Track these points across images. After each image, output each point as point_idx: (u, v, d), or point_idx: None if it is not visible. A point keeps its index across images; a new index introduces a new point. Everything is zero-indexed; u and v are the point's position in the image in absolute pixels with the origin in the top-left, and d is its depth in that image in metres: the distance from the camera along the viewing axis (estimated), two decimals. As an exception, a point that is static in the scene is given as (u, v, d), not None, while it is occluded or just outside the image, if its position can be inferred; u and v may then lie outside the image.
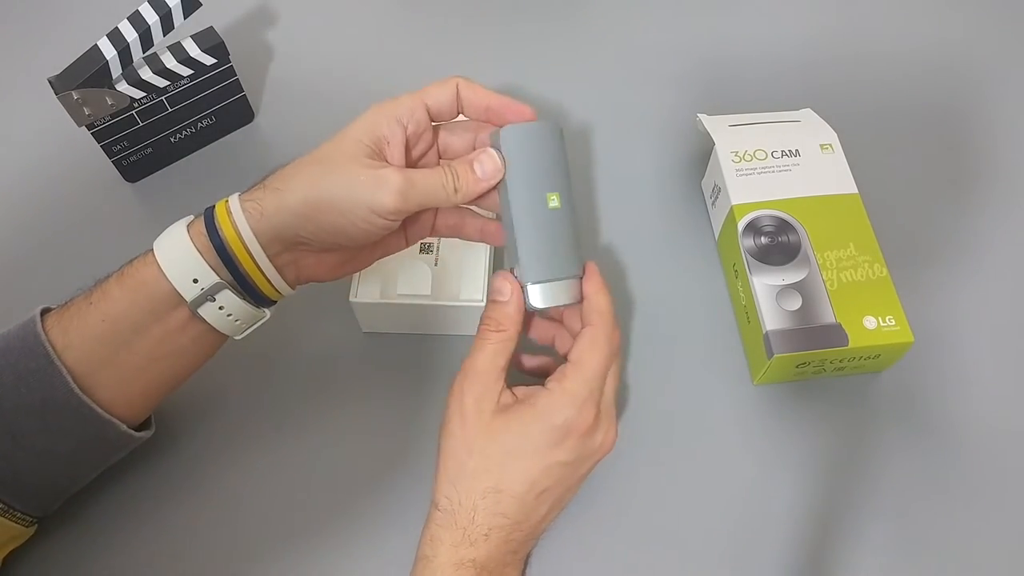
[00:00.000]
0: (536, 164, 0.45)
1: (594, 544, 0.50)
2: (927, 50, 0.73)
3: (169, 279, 0.42)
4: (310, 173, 0.43)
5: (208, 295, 0.43)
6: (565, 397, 0.43)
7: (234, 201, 0.43)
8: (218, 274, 0.43)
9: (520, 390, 0.45)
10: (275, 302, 0.47)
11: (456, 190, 0.44)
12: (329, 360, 0.56)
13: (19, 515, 0.45)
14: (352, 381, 0.56)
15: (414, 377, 0.56)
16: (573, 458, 0.43)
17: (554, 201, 0.45)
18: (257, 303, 0.45)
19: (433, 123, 0.47)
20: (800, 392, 0.55)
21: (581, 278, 0.46)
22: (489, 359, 0.44)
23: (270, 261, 0.44)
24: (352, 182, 0.42)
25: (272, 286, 0.45)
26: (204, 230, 0.43)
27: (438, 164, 0.48)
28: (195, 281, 0.42)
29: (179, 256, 0.42)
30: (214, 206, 0.44)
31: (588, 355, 0.44)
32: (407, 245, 0.49)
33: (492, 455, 0.42)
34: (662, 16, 0.75)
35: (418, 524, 0.50)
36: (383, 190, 0.42)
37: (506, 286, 0.45)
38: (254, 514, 0.51)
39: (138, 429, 0.47)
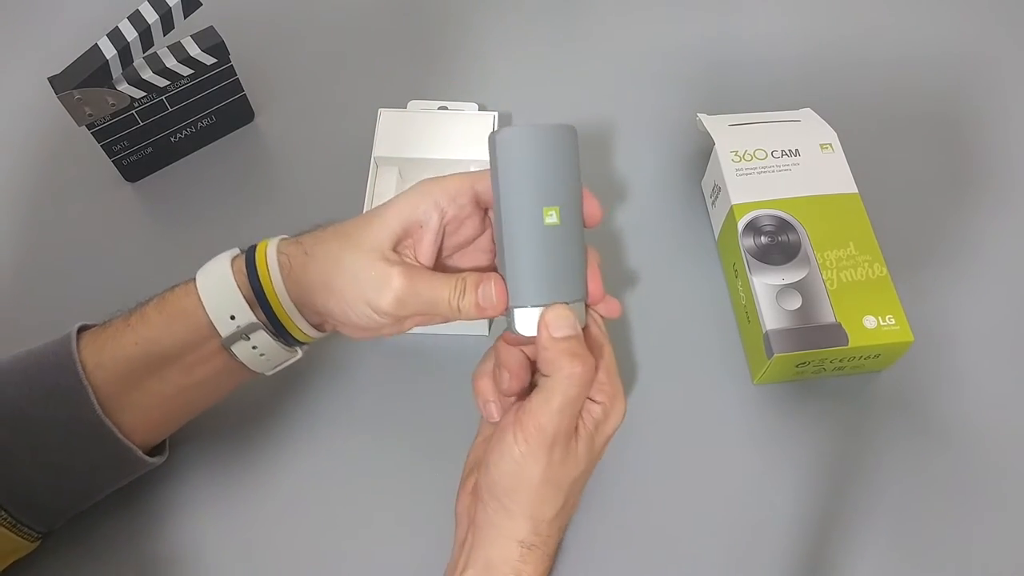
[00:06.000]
0: (534, 173, 0.41)
1: (594, 543, 0.50)
2: (927, 50, 0.73)
3: (208, 312, 0.42)
4: (334, 249, 0.43)
5: (243, 333, 0.43)
6: (620, 403, 0.43)
7: (272, 246, 0.44)
8: (254, 312, 0.43)
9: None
10: (307, 343, 0.47)
11: (459, 309, 0.42)
12: (329, 360, 0.56)
13: (26, 530, 0.45)
14: (352, 381, 0.55)
15: (414, 377, 0.56)
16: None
17: (552, 217, 0.40)
18: (288, 343, 0.45)
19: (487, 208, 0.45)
20: (800, 392, 0.55)
21: (583, 302, 0.42)
22: (572, 402, 0.40)
23: (300, 312, 0.44)
24: (360, 273, 0.41)
25: (302, 331, 0.45)
26: (245, 268, 0.43)
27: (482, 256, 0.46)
28: (232, 318, 0.42)
29: (219, 290, 0.43)
30: (256, 245, 0.44)
31: (607, 351, 0.43)
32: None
33: (576, 482, 0.42)
34: (662, 16, 0.75)
35: (421, 522, 0.50)
36: (384, 290, 0.41)
37: (574, 321, 0.41)
38: (258, 518, 0.51)
39: (151, 453, 0.47)
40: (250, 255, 0.43)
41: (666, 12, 0.75)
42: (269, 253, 0.43)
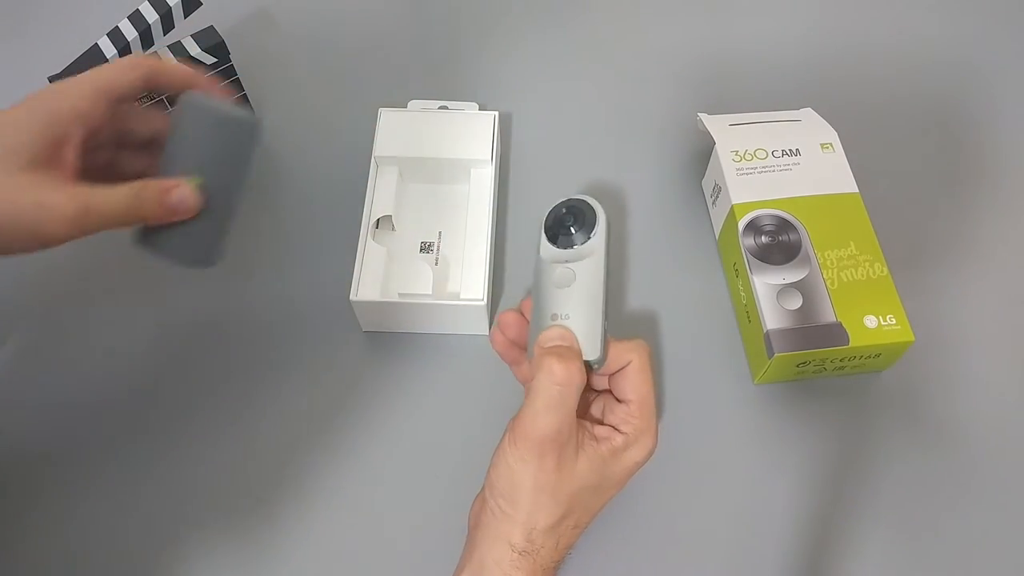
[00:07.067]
0: (195, 141, 0.42)
1: (593, 543, 0.50)
2: (928, 49, 0.73)
3: None
4: None
5: None
6: (649, 439, 0.43)
7: None
8: None
9: (588, 426, 0.44)
10: None
11: (144, 216, 0.41)
12: (329, 360, 0.56)
13: None
14: (352, 381, 0.56)
15: (414, 377, 0.56)
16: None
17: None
18: None
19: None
20: (800, 392, 0.55)
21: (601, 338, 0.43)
22: (554, 402, 0.41)
23: None
24: (16, 208, 0.37)
25: None
26: None
27: (115, 157, 0.45)
28: None
29: None
30: None
31: (645, 390, 0.44)
32: None
33: (578, 498, 0.42)
34: (663, 15, 0.75)
35: (419, 522, 0.50)
36: (53, 222, 0.38)
37: (567, 335, 0.42)
38: (251, 513, 0.51)
39: None
40: None
41: (666, 12, 0.75)
42: None
